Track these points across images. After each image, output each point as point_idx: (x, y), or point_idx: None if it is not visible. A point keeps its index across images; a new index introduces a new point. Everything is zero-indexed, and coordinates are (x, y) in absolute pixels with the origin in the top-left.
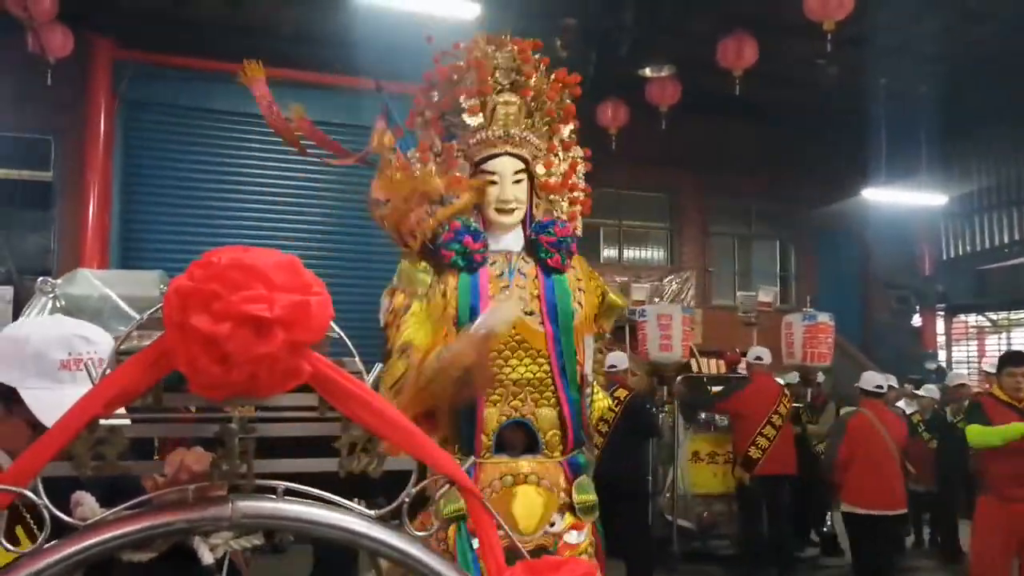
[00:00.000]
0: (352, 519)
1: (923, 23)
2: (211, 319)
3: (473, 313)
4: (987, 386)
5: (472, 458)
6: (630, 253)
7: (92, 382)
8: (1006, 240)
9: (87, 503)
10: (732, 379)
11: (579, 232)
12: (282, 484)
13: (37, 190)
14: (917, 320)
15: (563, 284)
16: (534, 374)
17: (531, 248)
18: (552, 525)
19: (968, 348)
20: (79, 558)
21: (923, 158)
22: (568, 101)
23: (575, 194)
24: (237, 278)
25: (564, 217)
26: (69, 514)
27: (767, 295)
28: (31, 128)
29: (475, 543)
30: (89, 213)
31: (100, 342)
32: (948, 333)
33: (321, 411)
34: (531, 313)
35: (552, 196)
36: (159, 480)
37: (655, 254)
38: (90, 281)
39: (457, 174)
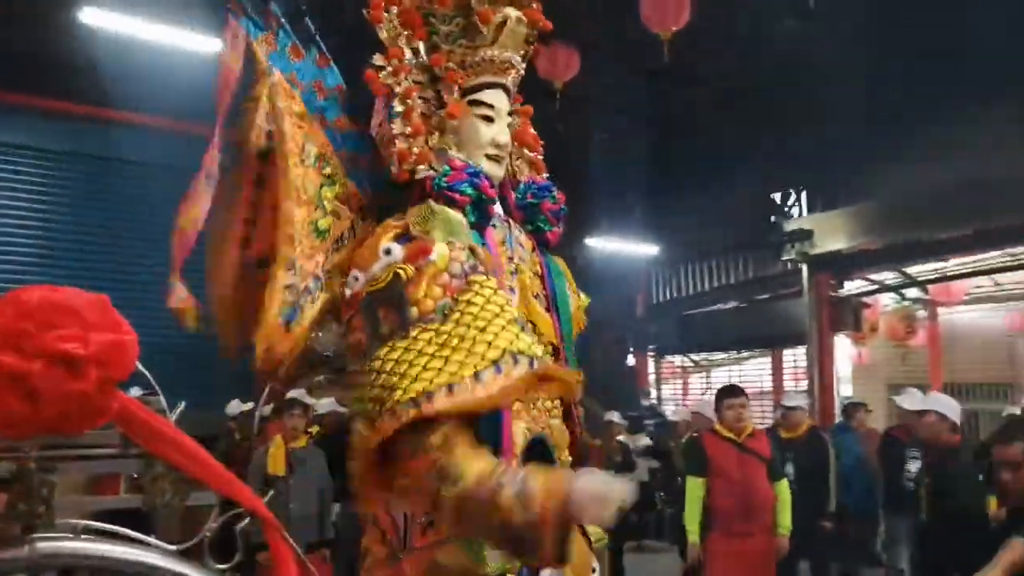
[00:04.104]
0: (153, 555)
1: (635, 84)
2: (20, 357)
3: None
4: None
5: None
6: None
7: None
8: (706, 288)
9: None
10: None
11: None
12: (81, 523)
13: None
14: (631, 360)
15: (557, 266)
16: None
17: (525, 213)
18: (594, 572)
19: (675, 386)
20: None
21: (638, 211)
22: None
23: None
24: (50, 316)
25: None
26: None
27: None
28: None
29: None
30: None
31: None
32: (658, 372)
33: (123, 448)
34: (536, 295)
35: (525, 151)
36: None
37: None
38: None
39: (455, 103)
